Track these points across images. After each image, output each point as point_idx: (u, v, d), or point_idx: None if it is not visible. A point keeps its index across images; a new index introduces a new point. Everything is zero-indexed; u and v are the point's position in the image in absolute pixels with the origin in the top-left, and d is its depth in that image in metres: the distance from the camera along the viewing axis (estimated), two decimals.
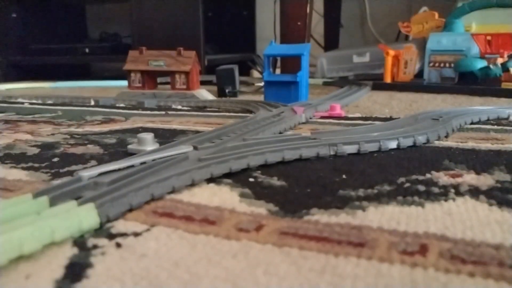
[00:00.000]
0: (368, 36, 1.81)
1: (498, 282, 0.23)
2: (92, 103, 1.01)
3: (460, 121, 0.62)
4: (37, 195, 0.33)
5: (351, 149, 0.48)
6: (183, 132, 0.64)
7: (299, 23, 1.33)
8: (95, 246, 0.28)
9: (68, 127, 0.70)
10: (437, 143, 0.53)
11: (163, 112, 0.85)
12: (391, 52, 1.18)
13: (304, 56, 0.88)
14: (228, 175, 0.41)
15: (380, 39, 1.70)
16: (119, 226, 0.31)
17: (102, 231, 0.30)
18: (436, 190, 0.37)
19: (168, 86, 1.12)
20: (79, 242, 0.28)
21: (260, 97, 1.02)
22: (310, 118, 0.73)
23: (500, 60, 1.01)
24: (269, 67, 0.91)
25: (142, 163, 0.41)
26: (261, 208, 0.34)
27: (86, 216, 0.30)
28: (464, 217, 0.31)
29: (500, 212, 0.32)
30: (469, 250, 0.26)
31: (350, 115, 0.76)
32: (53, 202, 0.32)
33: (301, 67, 0.87)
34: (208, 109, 0.90)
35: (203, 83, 1.19)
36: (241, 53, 1.74)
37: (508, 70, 1.01)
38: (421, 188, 0.37)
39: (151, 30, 1.43)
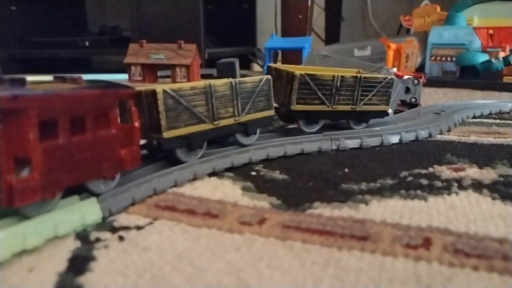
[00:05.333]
0: (369, 29, 1.80)
1: (502, 276, 0.23)
2: None
3: (462, 115, 0.62)
4: None
5: (353, 143, 0.48)
6: None
7: (300, 16, 1.32)
8: (98, 240, 0.28)
9: None
10: (439, 137, 0.53)
11: None
12: (393, 46, 1.17)
13: (305, 49, 0.88)
14: (230, 168, 0.41)
15: (381, 33, 1.70)
16: (121, 219, 0.31)
17: (104, 224, 0.30)
18: (439, 184, 0.37)
19: (169, 80, 1.12)
20: (82, 235, 0.28)
21: None
22: None
23: (502, 54, 1.01)
24: (270, 61, 0.91)
25: None
26: (263, 202, 0.34)
27: (88, 211, 0.30)
28: (467, 211, 0.31)
29: (504, 206, 0.32)
30: (473, 244, 0.26)
31: None
32: None
33: (302, 61, 0.87)
34: None
35: (203, 76, 1.19)
36: (242, 46, 1.73)
37: (510, 64, 1.00)
38: (424, 182, 0.37)
39: (151, 23, 1.42)
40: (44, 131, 0.26)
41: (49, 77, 0.34)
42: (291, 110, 0.45)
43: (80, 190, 0.30)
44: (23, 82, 0.27)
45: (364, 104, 0.50)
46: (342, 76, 0.47)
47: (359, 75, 0.49)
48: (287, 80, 0.45)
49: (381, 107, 0.52)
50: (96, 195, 0.31)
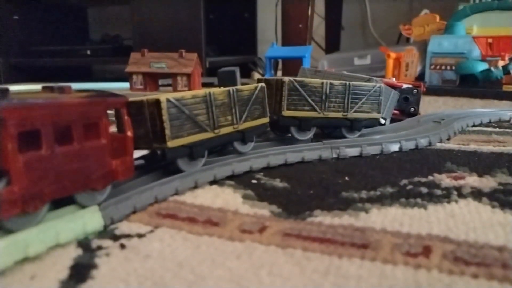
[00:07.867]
0: (369, 38, 1.82)
1: (502, 284, 0.23)
2: None
3: (461, 124, 0.62)
4: None
5: (353, 151, 0.49)
6: None
7: (300, 26, 1.33)
8: (99, 247, 0.28)
9: None
10: (439, 145, 0.53)
11: None
12: (392, 55, 1.18)
13: (306, 58, 0.88)
14: (231, 177, 0.41)
15: (381, 42, 1.71)
16: (123, 227, 0.31)
17: (106, 232, 0.30)
18: (438, 192, 0.37)
19: (170, 88, 1.12)
20: (84, 243, 0.29)
21: None
22: None
23: (501, 63, 1.01)
24: (270, 69, 0.92)
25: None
26: (264, 210, 0.34)
27: (90, 219, 0.30)
28: (467, 219, 0.31)
29: (503, 214, 0.32)
30: (472, 252, 0.26)
31: None
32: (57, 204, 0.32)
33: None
34: None
35: (204, 85, 1.20)
36: (242, 55, 1.74)
37: (509, 73, 1.01)
38: (424, 190, 0.37)
39: (152, 32, 1.43)
40: (27, 142, 0.25)
41: (37, 87, 0.33)
42: (283, 116, 0.46)
43: None
44: (5, 92, 0.26)
45: (356, 111, 0.51)
46: (331, 83, 0.48)
47: (347, 82, 0.50)
48: (276, 88, 0.47)
49: (373, 115, 0.52)
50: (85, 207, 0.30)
